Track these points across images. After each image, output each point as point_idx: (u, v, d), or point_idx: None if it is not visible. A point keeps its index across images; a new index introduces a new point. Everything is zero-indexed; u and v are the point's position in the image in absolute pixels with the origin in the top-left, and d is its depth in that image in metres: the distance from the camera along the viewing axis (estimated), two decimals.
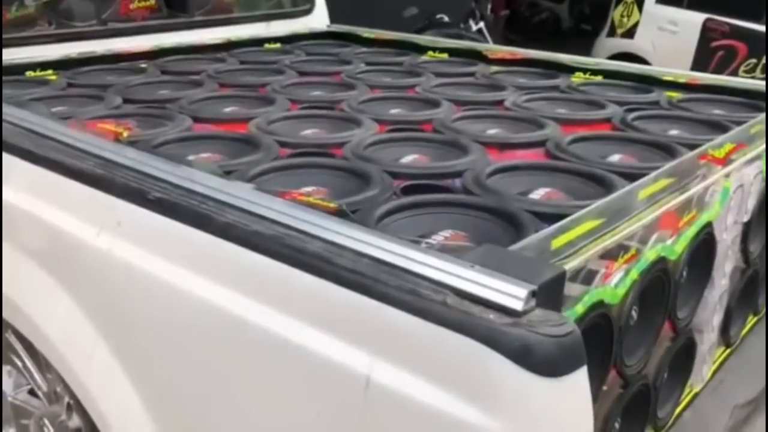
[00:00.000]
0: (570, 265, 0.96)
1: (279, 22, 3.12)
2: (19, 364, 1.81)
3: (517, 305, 0.83)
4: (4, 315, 1.51)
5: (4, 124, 1.51)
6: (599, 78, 2.39)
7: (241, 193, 1.13)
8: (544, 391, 0.80)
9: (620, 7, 5.57)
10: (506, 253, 0.96)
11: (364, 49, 2.91)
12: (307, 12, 3.21)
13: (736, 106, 2.05)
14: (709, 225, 1.36)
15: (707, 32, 4.84)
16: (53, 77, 2.28)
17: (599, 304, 1.02)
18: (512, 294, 0.84)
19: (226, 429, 1.10)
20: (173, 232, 1.14)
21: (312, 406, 0.97)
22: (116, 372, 1.27)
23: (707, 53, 4.82)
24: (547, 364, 0.79)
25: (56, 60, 2.39)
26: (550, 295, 0.86)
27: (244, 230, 1.05)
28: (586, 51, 5.88)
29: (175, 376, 1.19)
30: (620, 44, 5.51)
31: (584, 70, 2.43)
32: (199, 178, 1.20)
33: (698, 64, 4.84)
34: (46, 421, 1.68)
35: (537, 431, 0.81)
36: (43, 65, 2.35)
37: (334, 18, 3.33)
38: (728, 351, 1.77)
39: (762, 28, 4.59)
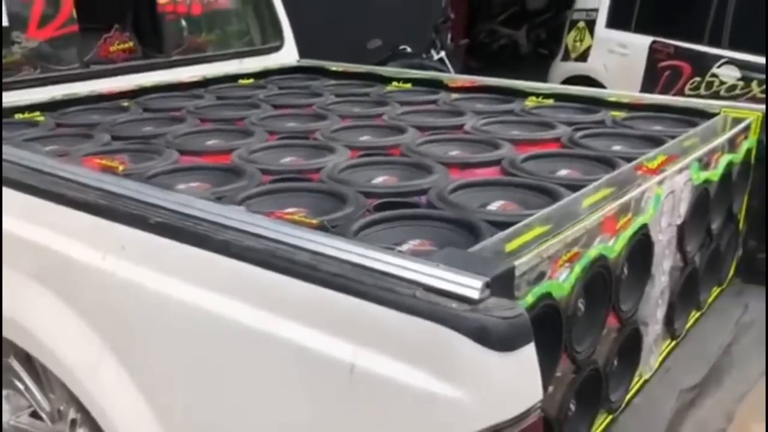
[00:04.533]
0: (520, 262, 1.13)
1: (251, 59, 3.29)
2: (21, 386, 1.92)
3: (474, 294, 1.00)
4: (14, 340, 1.63)
5: (8, 164, 1.65)
6: (551, 101, 2.59)
7: (233, 214, 1.29)
8: (499, 364, 0.96)
9: (573, 32, 5.85)
10: (465, 254, 1.14)
11: (333, 82, 3.09)
12: (278, 48, 3.39)
13: (674, 122, 2.26)
14: (644, 227, 1.55)
15: (654, 54, 5.12)
16: (41, 118, 2.42)
17: (547, 295, 1.20)
18: (470, 286, 1.01)
19: (231, 423, 1.25)
20: (174, 252, 1.29)
21: (305, 392, 1.12)
22: (124, 382, 1.41)
23: (655, 73, 5.09)
24: (500, 341, 0.96)
25: (43, 102, 2.53)
26: (501, 286, 1.04)
27: (239, 246, 1.20)
28: (544, 74, 6.16)
29: (179, 380, 1.33)
30: (575, 67, 5.78)
31: (537, 95, 2.64)
32: (194, 203, 1.36)
33: (647, 83, 5.10)
34: None
35: (494, 397, 0.97)
36: (31, 107, 2.48)
37: (302, 53, 3.52)
38: (674, 343, 1.96)
39: (704, 48, 4.88)
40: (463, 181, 1.68)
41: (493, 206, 1.55)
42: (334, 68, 3.26)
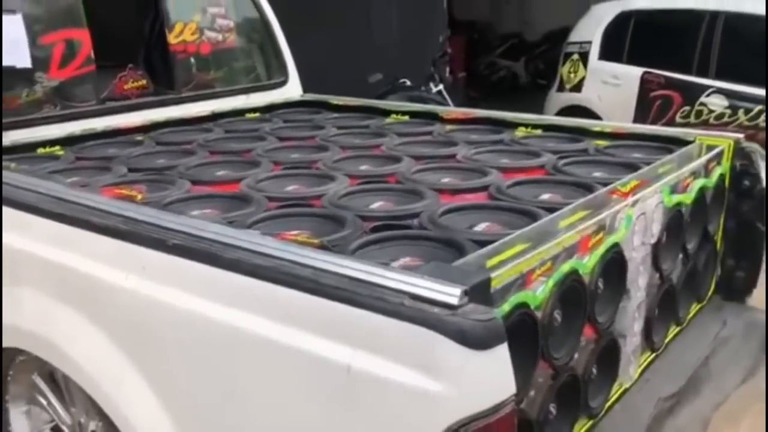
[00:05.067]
0: (495, 274, 1.28)
1: (257, 94, 3.47)
2: (44, 402, 2.06)
3: (454, 301, 1.14)
4: (44, 356, 1.77)
5: (37, 195, 1.82)
6: (539, 131, 2.76)
7: (244, 236, 1.45)
8: (476, 361, 1.11)
9: (567, 64, 6.06)
10: (448, 267, 1.29)
11: (335, 115, 3.26)
12: (283, 84, 3.58)
13: (652, 149, 2.42)
14: (617, 245, 1.70)
15: (646, 84, 5.31)
16: (61, 152, 2.59)
17: (522, 304, 1.35)
18: (450, 294, 1.16)
19: (243, 423, 1.39)
20: (190, 270, 1.44)
21: (308, 392, 1.26)
22: (143, 390, 1.55)
23: (647, 103, 5.27)
24: (476, 341, 1.11)
25: (62, 137, 2.70)
26: (478, 294, 1.18)
27: (248, 263, 1.36)
28: (542, 104, 6.35)
29: (194, 386, 1.48)
30: (570, 98, 5.97)
31: (526, 125, 2.80)
32: (208, 227, 1.51)
33: (640, 112, 5.28)
34: None
35: (472, 390, 1.12)
36: (51, 142, 2.66)
37: (306, 87, 3.70)
38: (654, 355, 2.09)
39: (693, 78, 5.07)
40: (452, 205, 1.83)
41: (479, 227, 1.70)
42: (336, 102, 3.44)
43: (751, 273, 2.47)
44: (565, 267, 1.49)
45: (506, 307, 1.30)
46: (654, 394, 1.94)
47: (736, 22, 4.92)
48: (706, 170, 2.25)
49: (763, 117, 4.62)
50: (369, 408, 1.19)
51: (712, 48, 4.99)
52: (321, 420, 1.25)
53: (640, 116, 5.26)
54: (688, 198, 2.09)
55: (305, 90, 3.68)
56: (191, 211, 1.84)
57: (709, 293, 2.45)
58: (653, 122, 5.12)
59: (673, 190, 2.01)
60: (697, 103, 4.99)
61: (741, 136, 2.40)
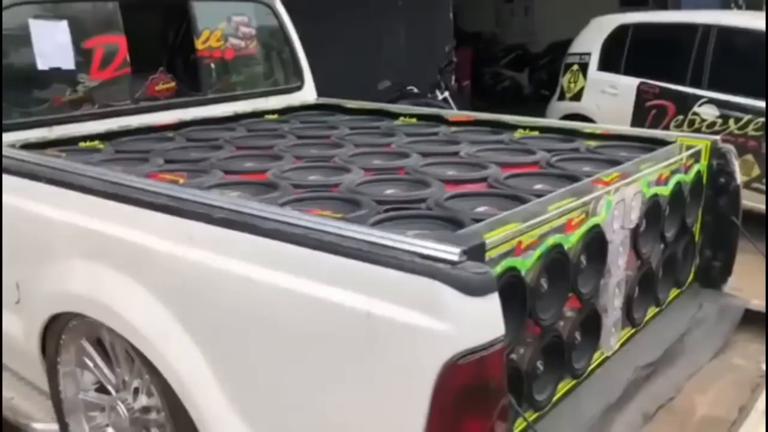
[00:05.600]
0: (489, 240, 1.54)
1: (276, 97, 3.75)
2: (91, 364, 2.32)
3: (455, 258, 1.40)
4: (102, 320, 2.03)
5: (95, 180, 2.09)
6: (535, 133, 3.01)
7: (278, 210, 1.71)
8: (472, 305, 1.36)
9: (568, 74, 6.33)
10: (450, 234, 1.55)
11: (348, 117, 3.52)
12: (299, 88, 3.85)
13: (637, 149, 2.66)
14: (597, 226, 1.95)
15: (642, 94, 5.57)
16: (101, 146, 2.86)
17: (512, 268, 1.60)
18: (452, 252, 1.41)
19: (274, 368, 1.64)
20: (233, 239, 1.70)
21: (334, 336, 1.52)
22: (189, 344, 1.81)
23: (643, 112, 5.54)
24: (472, 289, 1.36)
25: (102, 133, 2.98)
26: (475, 254, 1.44)
27: (283, 232, 1.62)
28: (544, 113, 6.62)
29: (236, 340, 1.73)
30: (570, 106, 6.24)
31: (524, 127, 3.07)
32: (247, 203, 1.78)
33: (636, 121, 5.55)
34: (119, 403, 2.19)
35: (468, 329, 1.37)
36: (92, 137, 2.93)
37: (321, 92, 3.97)
38: (634, 330, 2.34)
39: (686, 89, 5.33)
40: (455, 192, 2.09)
41: (478, 210, 1.96)
42: (348, 105, 3.70)
43: (726, 262, 2.72)
44: (550, 240, 1.75)
45: (498, 269, 1.56)
46: (632, 363, 2.19)
47: (728, 35, 5.19)
48: (685, 167, 2.51)
49: (751, 126, 4.87)
50: (385, 345, 1.44)
51: (705, 60, 5.26)
52: (346, 357, 1.51)
53: (636, 125, 5.52)
54: (665, 190, 2.34)
55: (319, 95, 3.95)
56: (228, 193, 2.10)
57: (689, 280, 2.70)
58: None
59: (652, 182, 2.26)
60: (690, 112, 5.25)
61: (718, 137, 2.66)
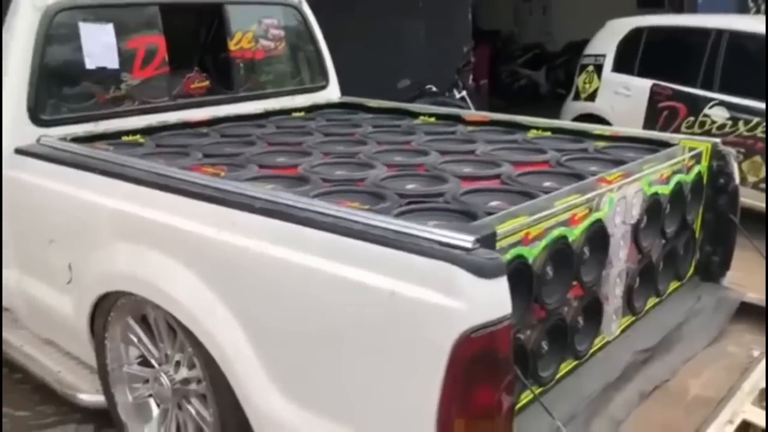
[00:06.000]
0: (500, 230, 1.74)
1: (302, 96, 3.96)
2: (135, 339, 2.55)
3: (469, 245, 1.60)
4: (151, 298, 2.25)
5: (144, 172, 2.31)
6: (548, 133, 3.20)
7: (311, 201, 1.92)
8: (483, 286, 1.56)
9: (583, 75, 6.49)
10: (465, 224, 1.75)
11: (371, 116, 3.73)
12: (324, 87, 4.07)
13: (642, 150, 2.84)
14: (600, 221, 2.14)
15: (654, 95, 5.73)
16: (142, 140, 3.09)
17: (520, 256, 1.81)
18: (467, 240, 1.62)
19: (307, 341, 1.86)
20: (271, 226, 1.92)
21: (361, 312, 1.73)
22: (230, 320, 2.03)
23: (655, 113, 5.69)
24: (484, 272, 1.56)
25: (142, 128, 3.20)
26: (487, 242, 1.65)
27: (317, 220, 1.83)
28: (559, 112, 6.78)
29: (272, 315, 1.95)
30: (584, 106, 6.40)
31: (537, 128, 3.25)
32: (283, 195, 1.99)
33: (648, 122, 5.70)
34: (162, 374, 2.42)
35: (480, 307, 1.57)
36: (133, 132, 3.16)
37: (344, 91, 4.18)
38: (634, 318, 2.53)
39: (698, 91, 5.48)
40: (471, 187, 2.29)
41: (491, 204, 2.15)
42: (371, 104, 3.91)
43: (725, 258, 2.90)
44: (555, 232, 1.95)
45: (508, 256, 1.77)
46: (632, 347, 2.38)
47: (739, 40, 5.32)
48: (686, 167, 2.68)
49: (760, 128, 5.01)
50: (407, 320, 1.65)
51: (717, 63, 5.40)
52: (372, 331, 1.72)
53: (648, 125, 5.67)
54: (666, 189, 2.53)
55: (343, 93, 4.16)
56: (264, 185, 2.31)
57: (689, 273, 2.88)
58: (660, 131, 5.52)
59: (653, 181, 2.45)
60: (701, 114, 5.40)
61: (718, 140, 2.83)
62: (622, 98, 6.05)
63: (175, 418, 2.49)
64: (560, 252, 1.98)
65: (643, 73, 5.94)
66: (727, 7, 8.11)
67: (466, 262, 1.58)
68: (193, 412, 2.39)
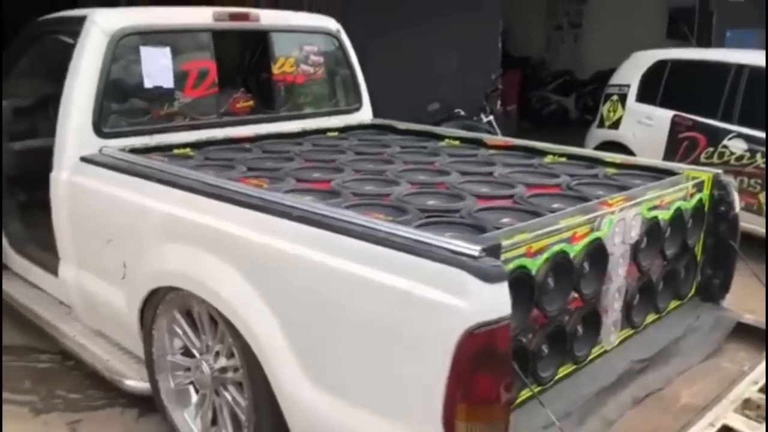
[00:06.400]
0: (504, 242, 2.00)
1: (337, 117, 4.27)
2: (180, 331, 2.85)
3: (476, 254, 1.87)
4: (198, 293, 2.55)
5: (198, 182, 2.62)
6: (563, 159, 3.45)
7: (343, 212, 2.21)
8: (487, 289, 1.82)
9: (608, 104, 6.71)
10: (474, 236, 2.01)
11: (399, 137, 4.01)
12: (357, 109, 4.37)
13: (648, 177, 3.07)
14: (599, 239, 2.39)
15: (675, 126, 5.93)
16: (191, 153, 3.41)
17: (523, 266, 2.06)
18: (474, 249, 1.88)
19: (334, 333, 2.13)
20: (308, 232, 2.20)
21: (382, 309, 2.00)
22: (267, 314, 2.31)
23: (675, 143, 5.89)
24: (488, 277, 1.82)
25: (192, 142, 3.53)
26: (492, 252, 1.91)
27: (347, 228, 2.10)
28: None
29: (306, 312, 2.22)
30: (608, 134, 6.62)
31: (553, 153, 3.50)
32: (319, 206, 2.28)
33: (669, 151, 5.90)
34: (203, 363, 2.71)
35: (483, 307, 1.82)
36: (184, 145, 3.48)
37: (375, 113, 4.48)
38: (633, 331, 2.75)
39: (717, 123, 5.67)
40: (485, 205, 2.55)
41: (501, 221, 2.41)
42: (400, 126, 4.19)
43: (725, 281, 3.10)
44: (556, 247, 2.20)
45: (511, 266, 2.02)
46: (629, 357, 2.60)
47: (758, 75, 5.51)
48: (688, 195, 2.91)
49: None
50: (420, 316, 1.91)
51: (736, 97, 5.58)
52: (391, 325, 1.98)
53: (669, 154, 5.87)
54: (666, 214, 2.75)
55: (374, 115, 4.46)
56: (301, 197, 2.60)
57: (690, 293, 3.09)
58: (680, 161, 5.71)
59: (653, 206, 2.68)
60: (720, 145, 5.58)
61: (720, 171, 3.05)
62: (645, 127, 6.25)
63: (211, 404, 2.78)
64: (561, 265, 2.23)
65: (665, 104, 6.15)
66: (753, 43, 8.26)
67: (472, 268, 1.84)
68: (229, 398, 2.67)
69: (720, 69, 5.75)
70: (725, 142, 5.56)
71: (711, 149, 5.64)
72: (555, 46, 12.63)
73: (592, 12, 12.01)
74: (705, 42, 9.06)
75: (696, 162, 5.68)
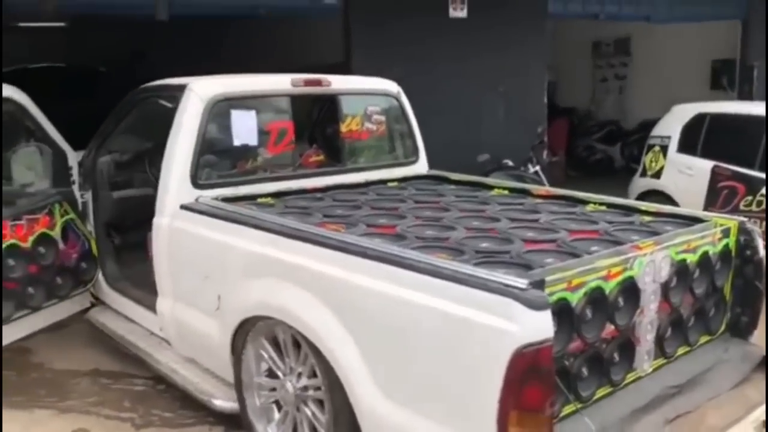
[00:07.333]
0: (548, 278, 2.40)
1: (396, 169, 4.74)
2: (266, 356, 3.30)
3: (523, 286, 2.28)
4: (284, 319, 3.00)
5: (285, 227, 3.10)
6: (603, 207, 3.83)
7: (412, 253, 2.65)
8: (532, 316, 2.22)
9: (650, 154, 7.05)
10: (524, 272, 2.43)
11: (453, 187, 4.45)
12: (415, 162, 4.84)
13: (679, 224, 3.42)
14: (631, 278, 2.76)
15: (715, 176, 6.23)
16: (272, 202, 3.91)
17: (564, 298, 2.46)
18: (522, 282, 2.29)
19: (405, 356, 2.55)
20: (381, 268, 2.64)
21: (444, 333, 2.41)
22: (344, 334, 2.74)
23: (715, 192, 6.18)
24: (534, 306, 2.22)
25: (272, 192, 4.04)
26: (537, 285, 2.31)
27: (416, 266, 2.54)
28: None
29: (379, 335, 2.65)
30: (650, 183, 6.93)
31: (594, 203, 3.89)
32: (391, 247, 2.73)
33: (709, 200, 6.18)
34: (288, 382, 3.15)
35: (529, 331, 2.22)
36: (265, 195, 3.99)
37: (430, 164, 4.94)
38: (666, 361, 3.09)
39: (755, 173, 5.95)
40: (532, 248, 2.95)
41: (546, 261, 2.81)
42: (453, 177, 4.64)
43: (753, 318, 3.41)
44: (593, 283, 2.59)
45: (554, 298, 2.42)
46: (661, 383, 2.93)
47: None
48: (715, 240, 3.26)
49: None
50: (477, 339, 2.32)
51: None
52: (453, 348, 2.39)
53: (709, 203, 6.16)
54: (693, 257, 3.11)
55: (430, 166, 4.92)
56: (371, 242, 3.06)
57: (720, 330, 3.40)
58: (720, 209, 6.00)
59: (681, 250, 3.04)
60: (758, 194, 5.86)
61: (745, 219, 3.39)
62: (686, 177, 6.56)
63: (292, 420, 3.20)
64: (597, 299, 2.61)
65: (705, 155, 6.46)
66: None
67: (521, 298, 2.24)
68: (309, 413, 3.10)
69: (756, 122, 6.06)
70: (763, 191, 5.83)
71: (750, 197, 5.92)
72: (600, 97, 13.01)
73: (637, 64, 12.39)
74: (746, 94, 9.34)
75: (736, 210, 5.96)
